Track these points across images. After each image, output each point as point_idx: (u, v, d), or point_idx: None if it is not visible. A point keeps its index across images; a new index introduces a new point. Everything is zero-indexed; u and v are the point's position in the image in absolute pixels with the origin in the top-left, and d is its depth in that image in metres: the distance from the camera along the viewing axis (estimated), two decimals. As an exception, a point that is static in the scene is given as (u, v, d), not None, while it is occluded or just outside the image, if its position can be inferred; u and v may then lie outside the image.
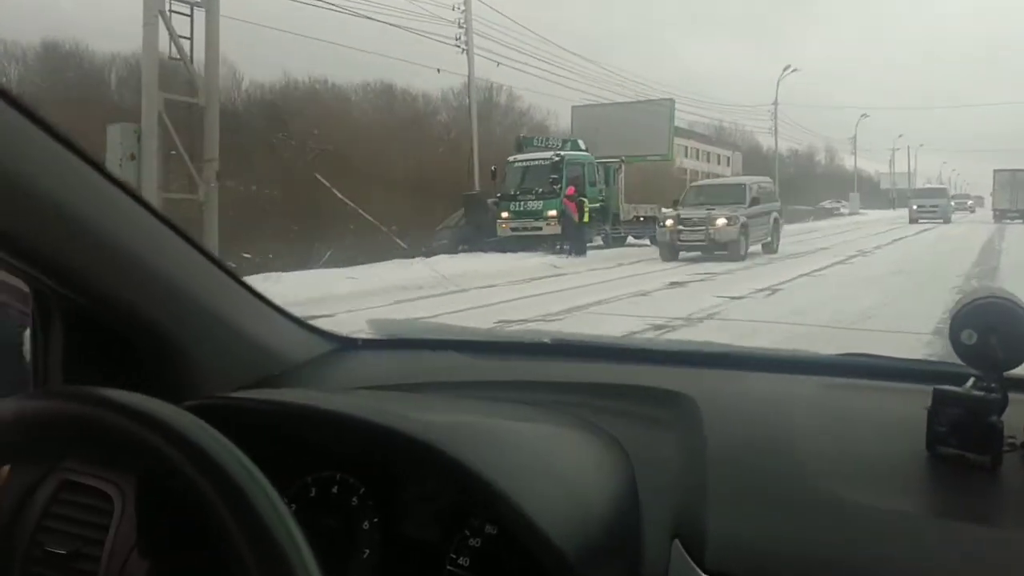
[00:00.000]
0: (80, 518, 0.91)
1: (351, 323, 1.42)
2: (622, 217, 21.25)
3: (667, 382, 0.99)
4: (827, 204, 54.85)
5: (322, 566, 0.61)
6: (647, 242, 21.23)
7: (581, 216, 17.89)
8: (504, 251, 17.17)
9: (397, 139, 24.79)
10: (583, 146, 21.28)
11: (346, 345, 1.26)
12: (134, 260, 0.86)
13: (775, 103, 44.79)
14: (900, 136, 73.19)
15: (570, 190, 18.10)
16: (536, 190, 18.81)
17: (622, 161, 21.66)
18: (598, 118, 39.67)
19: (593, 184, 20.01)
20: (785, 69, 43.59)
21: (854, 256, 17.44)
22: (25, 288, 0.95)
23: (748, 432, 0.89)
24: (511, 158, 19.79)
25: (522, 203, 18.93)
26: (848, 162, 78.40)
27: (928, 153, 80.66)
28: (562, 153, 19.31)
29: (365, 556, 0.86)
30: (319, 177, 19.32)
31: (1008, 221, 33.24)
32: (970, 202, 43.96)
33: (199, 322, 0.96)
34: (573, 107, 41.31)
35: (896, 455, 0.82)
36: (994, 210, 37.15)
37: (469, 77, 22.14)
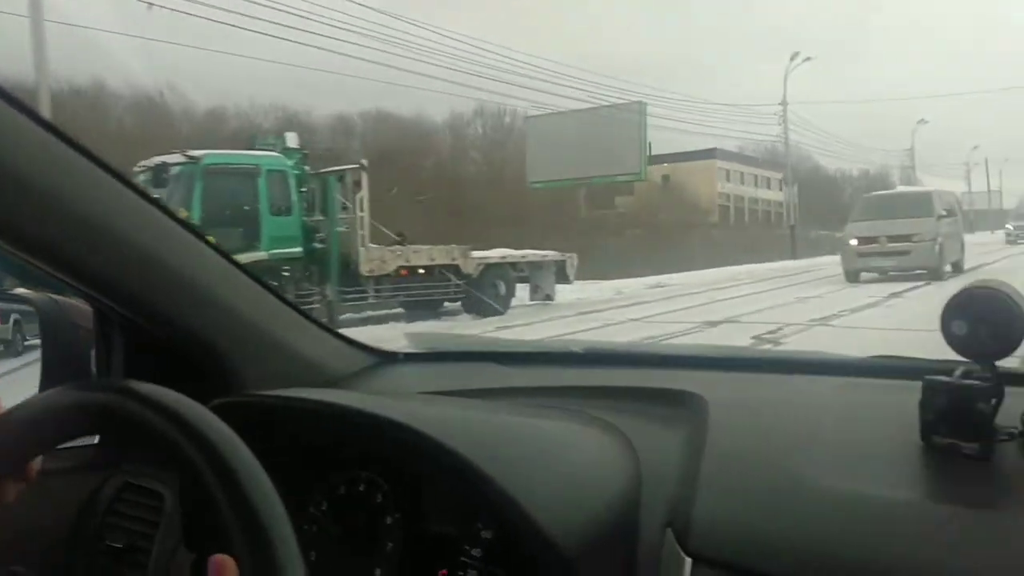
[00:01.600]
0: (137, 515, 1.00)
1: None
2: (365, 269, 11.52)
3: (683, 384, 1.03)
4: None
5: (349, 558, 0.87)
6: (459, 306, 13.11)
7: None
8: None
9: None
10: (294, 143, 11.61)
11: (388, 359, 1.30)
12: (181, 280, 0.94)
13: (783, 103, 34.47)
14: (975, 148, 60.54)
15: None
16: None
17: (362, 167, 11.87)
18: (555, 131, 31.10)
19: (282, 211, 10.96)
20: (793, 58, 33.22)
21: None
22: (89, 309, 1.07)
23: (750, 428, 0.92)
24: (137, 167, 10.90)
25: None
26: (928, 183, 67.71)
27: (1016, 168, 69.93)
28: (196, 153, 10.21)
29: (388, 549, 0.90)
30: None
31: None
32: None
33: (242, 336, 1.03)
34: (526, 118, 33.22)
35: (892, 447, 0.83)
36: None
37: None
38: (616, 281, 17.93)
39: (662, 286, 17.57)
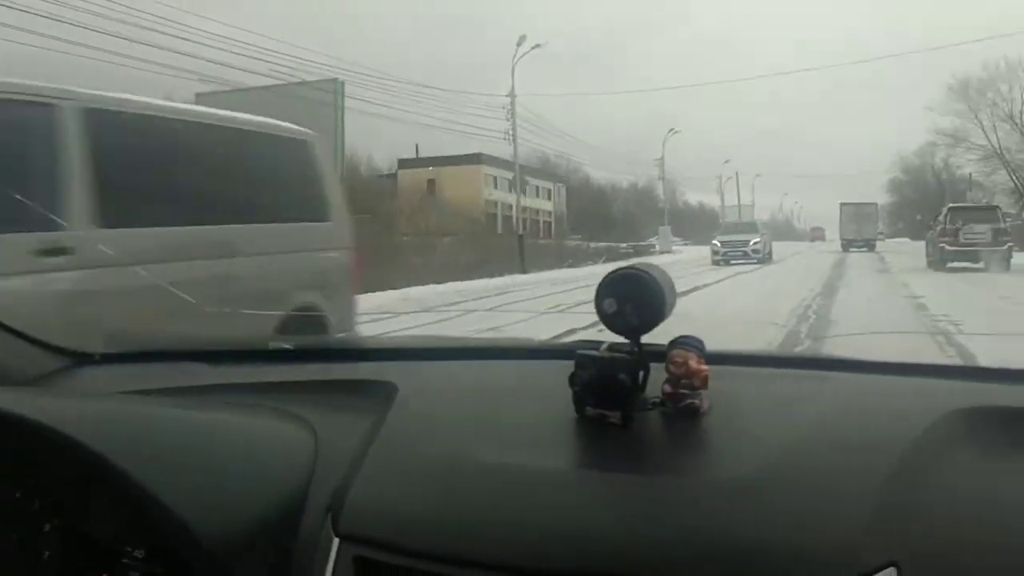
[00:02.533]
0: None
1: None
2: None
3: (382, 375, 1.06)
4: (653, 241, 45.74)
5: (3, 573, 0.80)
6: None
7: None
8: None
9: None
10: None
11: (82, 360, 1.24)
12: None
13: (511, 94, 30.03)
14: (727, 162, 62.06)
15: None
16: None
17: None
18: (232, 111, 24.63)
19: None
20: (520, 43, 28.59)
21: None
22: None
23: (427, 412, 0.95)
24: None
25: None
26: (691, 197, 68.39)
27: (768, 184, 76.45)
28: None
29: (45, 558, 0.87)
30: None
31: (855, 250, 34.29)
32: (754, 241, 26.81)
33: None
34: (196, 94, 26.22)
35: (552, 420, 0.89)
36: (841, 240, 37.84)
37: None
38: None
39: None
